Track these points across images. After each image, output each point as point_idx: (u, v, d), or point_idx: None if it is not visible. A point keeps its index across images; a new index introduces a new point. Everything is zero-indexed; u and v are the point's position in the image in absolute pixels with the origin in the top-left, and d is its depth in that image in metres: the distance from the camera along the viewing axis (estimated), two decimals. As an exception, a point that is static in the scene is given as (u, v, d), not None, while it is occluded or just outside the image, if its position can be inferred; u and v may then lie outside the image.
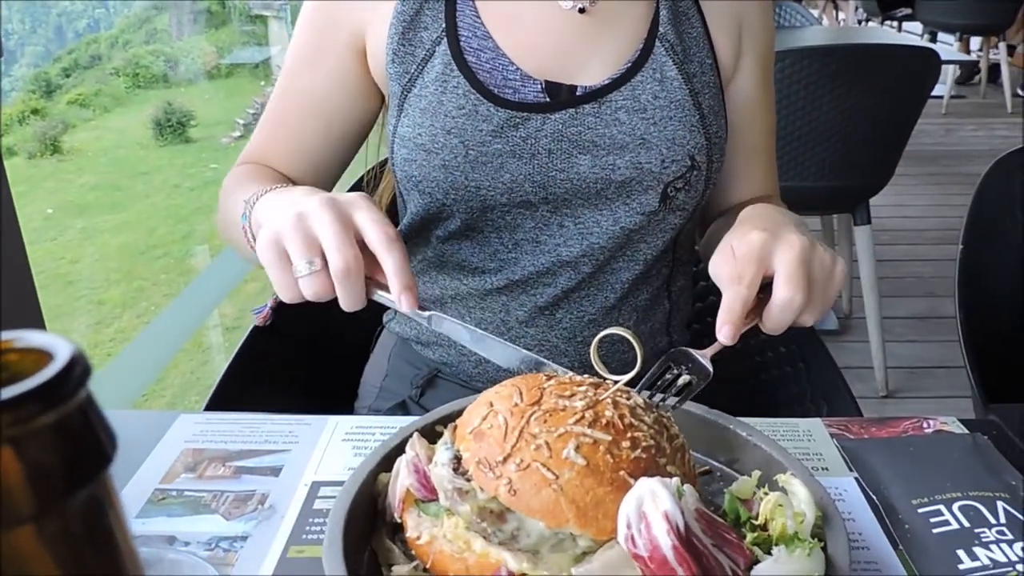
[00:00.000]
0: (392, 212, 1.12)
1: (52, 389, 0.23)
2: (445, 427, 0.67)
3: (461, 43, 0.94)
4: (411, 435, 0.66)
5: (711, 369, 0.69)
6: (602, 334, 0.67)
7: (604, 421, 0.56)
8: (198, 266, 5.00)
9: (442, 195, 0.94)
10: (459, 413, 0.69)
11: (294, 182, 1.01)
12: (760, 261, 0.74)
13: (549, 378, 0.63)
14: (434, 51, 0.94)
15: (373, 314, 1.13)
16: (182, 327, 2.75)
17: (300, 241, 0.71)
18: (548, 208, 0.95)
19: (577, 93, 0.94)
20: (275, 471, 0.76)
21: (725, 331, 0.71)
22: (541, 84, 0.94)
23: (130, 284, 5.03)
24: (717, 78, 1.00)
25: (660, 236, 0.99)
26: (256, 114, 6.04)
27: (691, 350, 0.71)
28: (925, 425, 0.82)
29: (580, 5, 0.96)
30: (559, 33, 0.96)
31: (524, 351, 0.74)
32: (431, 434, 0.67)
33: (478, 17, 0.95)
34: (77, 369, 0.24)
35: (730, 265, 0.75)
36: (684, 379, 0.69)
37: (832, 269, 0.77)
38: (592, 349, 0.66)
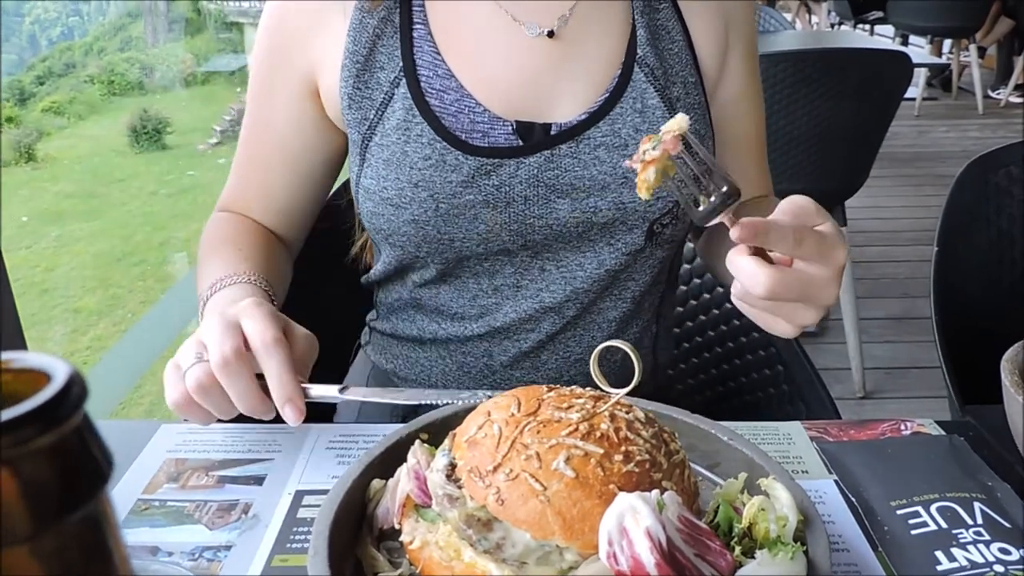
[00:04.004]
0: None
1: (50, 411, 0.23)
2: (429, 434, 0.68)
3: (422, 83, 0.87)
4: (396, 441, 0.66)
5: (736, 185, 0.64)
6: (601, 347, 0.64)
7: (598, 434, 0.57)
8: (175, 273, 4.97)
9: (414, 248, 0.90)
10: (442, 421, 0.70)
11: (272, 231, 1.00)
12: (807, 216, 0.67)
13: (550, 389, 0.63)
14: (393, 94, 0.87)
15: (355, 332, 1.13)
16: (161, 335, 2.74)
17: (191, 344, 0.74)
18: (528, 254, 0.90)
19: (552, 132, 0.88)
20: (258, 480, 0.76)
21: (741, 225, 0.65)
22: (512, 125, 0.87)
23: (106, 291, 5.00)
24: (702, 94, 0.94)
25: (648, 271, 0.95)
26: (233, 121, 6.02)
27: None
28: (902, 427, 0.84)
29: (548, 28, 0.89)
30: (527, 64, 0.89)
31: (464, 392, 0.73)
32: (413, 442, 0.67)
33: (438, 53, 0.88)
34: (74, 390, 0.24)
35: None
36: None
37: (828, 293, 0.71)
38: (592, 362, 0.64)
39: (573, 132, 0.87)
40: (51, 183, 6.59)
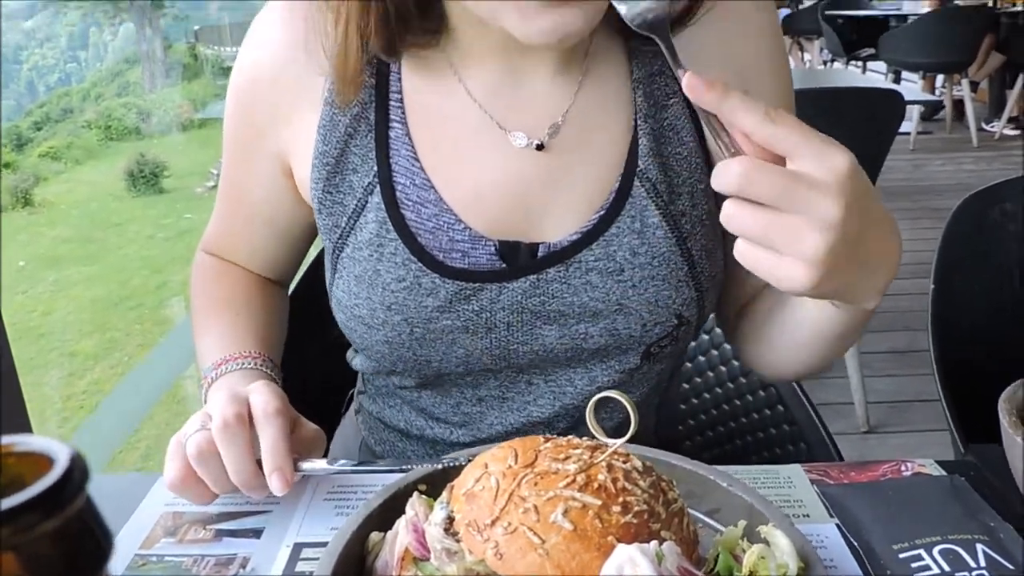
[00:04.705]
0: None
1: (54, 496, 0.23)
2: (428, 485, 0.68)
3: (397, 193, 0.79)
4: (394, 492, 0.66)
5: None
6: (596, 398, 0.61)
7: (596, 485, 0.56)
8: (172, 316, 4.98)
9: (390, 364, 0.85)
10: (441, 472, 0.70)
11: (263, 275, 0.99)
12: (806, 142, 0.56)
13: (547, 440, 0.63)
14: (366, 202, 0.80)
15: (349, 381, 1.12)
16: (158, 381, 2.73)
17: (197, 416, 0.74)
18: (513, 371, 0.84)
19: (539, 255, 0.79)
20: (256, 533, 0.75)
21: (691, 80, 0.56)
22: (494, 245, 0.79)
23: (103, 335, 5.01)
24: (712, 199, 0.82)
25: (646, 385, 0.88)
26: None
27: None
28: (903, 468, 0.83)
29: (536, 141, 0.80)
30: (514, 177, 0.80)
31: (445, 457, 0.71)
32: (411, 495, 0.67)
33: (416, 159, 0.80)
34: (76, 474, 0.24)
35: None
36: None
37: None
38: (588, 412, 0.63)
39: (563, 255, 0.79)
40: (48, 228, 6.63)
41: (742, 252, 0.58)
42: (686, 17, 0.78)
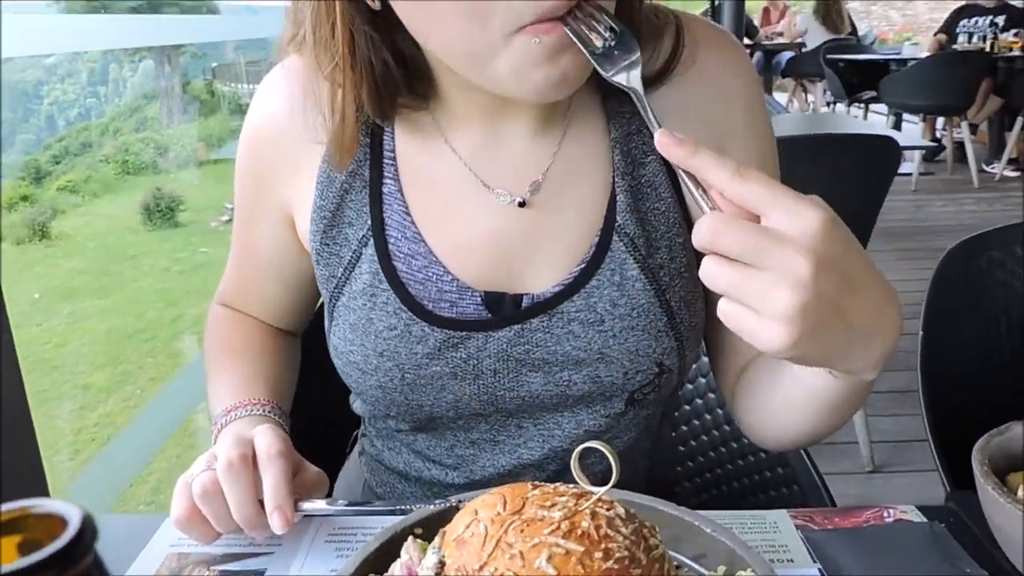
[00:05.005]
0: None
1: (66, 555, 0.27)
2: (424, 528, 0.71)
3: (390, 246, 0.84)
4: (391, 536, 0.69)
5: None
6: (581, 448, 0.63)
7: (579, 531, 0.59)
8: (185, 350, 5.02)
9: (384, 408, 0.89)
10: (437, 515, 0.73)
11: (275, 325, 1.03)
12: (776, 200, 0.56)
13: (535, 487, 0.65)
14: (361, 254, 0.84)
15: (353, 424, 1.15)
16: (170, 416, 2.77)
17: (203, 457, 0.78)
18: (502, 415, 0.88)
19: (523, 305, 0.83)
20: (259, 574, 0.78)
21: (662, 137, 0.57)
22: (481, 296, 0.83)
23: (116, 368, 5.04)
24: (690, 253, 0.86)
25: (633, 429, 0.91)
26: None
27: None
28: (885, 514, 0.86)
29: (518, 199, 0.84)
30: (498, 232, 0.84)
31: (437, 500, 0.73)
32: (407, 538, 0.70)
33: (407, 213, 0.84)
34: (87, 535, 0.28)
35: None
36: None
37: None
38: (573, 461, 0.65)
39: (546, 305, 0.83)
40: (65, 260, 6.69)
41: (723, 311, 0.59)
42: (662, 76, 0.84)
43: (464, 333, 0.83)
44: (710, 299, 0.87)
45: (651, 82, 0.83)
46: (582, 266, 0.83)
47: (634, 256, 0.83)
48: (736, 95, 0.88)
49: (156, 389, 4.66)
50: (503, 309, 0.83)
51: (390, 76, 0.79)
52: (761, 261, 0.55)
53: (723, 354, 0.93)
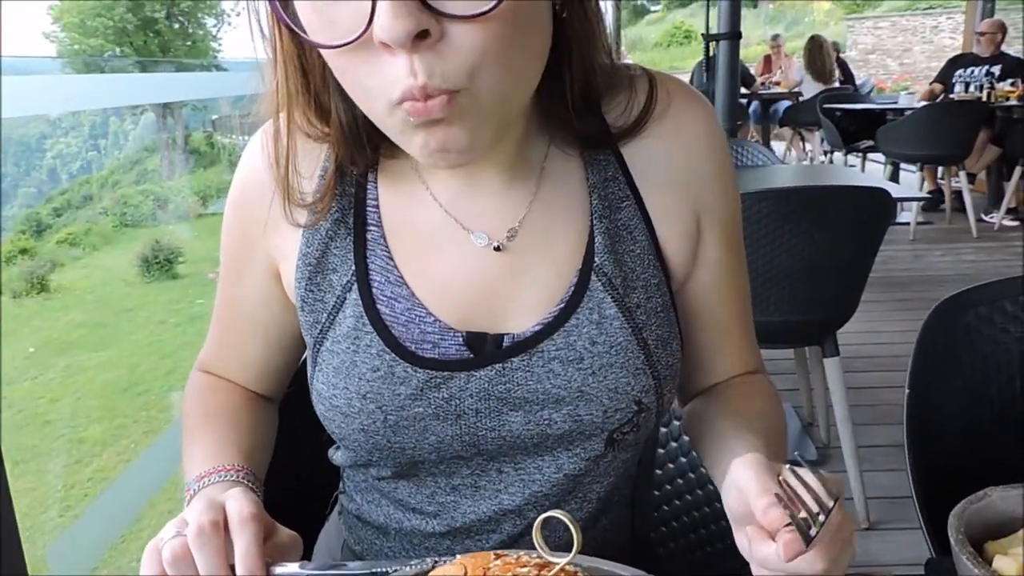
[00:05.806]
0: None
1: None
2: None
3: (373, 289, 0.86)
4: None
5: None
6: (542, 517, 0.63)
7: None
8: (178, 403, 4.98)
9: (366, 453, 0.89)
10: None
11: (254, 390, 1.03)
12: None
13: (497, 556, 0.65)
14: (345, 299, 0.86)
15: (333, 485, 1.14)
16: (161, 470, 2.74)
17: (173, 522, 0.76)
18: (483, 458, 0.88)
19: (503, 345, 0.84)
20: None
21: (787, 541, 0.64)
22: (462, 336, 0.84)
23: (111, 422, 5.01)
24: (666, 294, 0.89)
25: (612, 473, 0.92)
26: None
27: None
28: (865, 581, 0.84)
29: (495, 243, 0.86)
30: (478, 274, 0.86)
31: (413, 560, 0.73)
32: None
33: (391, 258, 0.87)
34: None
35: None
36: None
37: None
38: (535, 530, 0.64)
39: (526, 344, 0.84)
40: (62, 313, 6.69)
41: None
42: (638, 126, 0.87)
43: (446, 373, 0.84)
44: (685, 340, 0.91)
45: (628, 133, 0.87)
46: (561, 306, 0.85)
47: (612, 295, 0.85)
48: (712, 147, 0.92)
49: (150, 442, 4.63)
50: (484, 349, 0.84)
51: (362, 131, 0.82)
52: None
53: (684, 371, 0.97)
